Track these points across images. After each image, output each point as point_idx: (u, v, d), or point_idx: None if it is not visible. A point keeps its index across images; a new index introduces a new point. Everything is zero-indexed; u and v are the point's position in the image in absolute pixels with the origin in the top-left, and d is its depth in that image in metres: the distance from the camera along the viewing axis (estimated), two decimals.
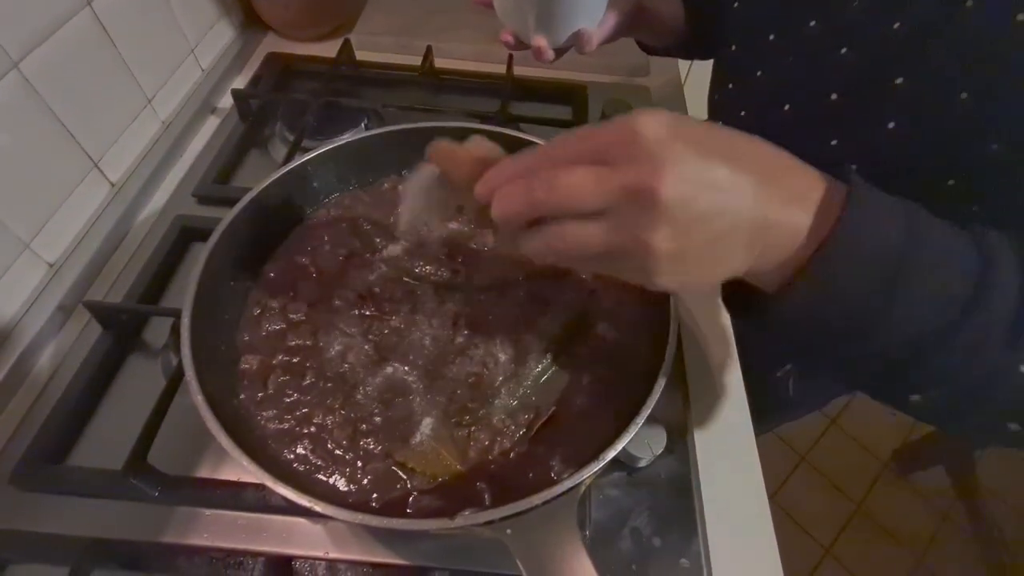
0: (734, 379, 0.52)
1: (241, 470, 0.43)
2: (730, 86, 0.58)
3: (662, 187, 0.23)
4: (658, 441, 0.44)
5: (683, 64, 0.88)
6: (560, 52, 0.52)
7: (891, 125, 0.41)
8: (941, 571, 1.35)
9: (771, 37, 0.50)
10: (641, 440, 0.44)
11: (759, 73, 0.52)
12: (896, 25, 0.40)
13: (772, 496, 1.43)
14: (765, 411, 0.58)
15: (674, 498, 0.44)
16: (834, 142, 0.45)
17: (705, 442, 0.48)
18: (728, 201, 0.25)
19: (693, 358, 0.53)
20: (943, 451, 1.46)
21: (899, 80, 0.40)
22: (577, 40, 0.50)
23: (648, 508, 0.44)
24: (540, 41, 0.50)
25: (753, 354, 0.56)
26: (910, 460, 1.49)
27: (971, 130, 0.37)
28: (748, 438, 0.49)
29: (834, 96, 0.45)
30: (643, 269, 0.26)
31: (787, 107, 0.49)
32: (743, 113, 0.56)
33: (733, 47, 0.56)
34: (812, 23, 0.46)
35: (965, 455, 1.44)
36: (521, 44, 0.52)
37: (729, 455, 0.48)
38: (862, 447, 1.54)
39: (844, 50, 0.44)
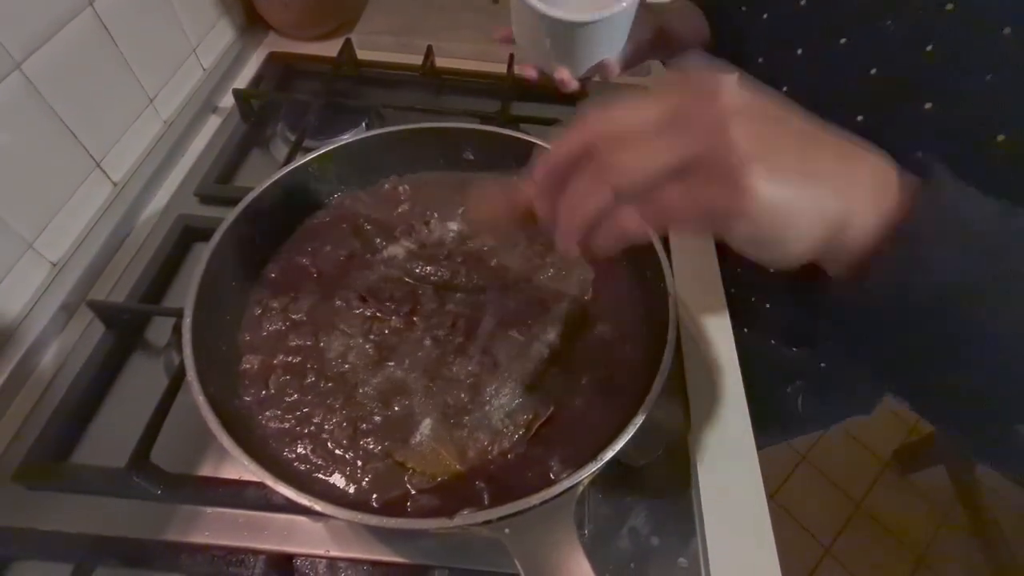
0: (733, 379, 0.53)
1: (242, 469, 0.43)
2: None
3: (724, 94, 0.23)
4: (657, 440, 0.45)
5: None
6: (584, 80, 0.53)
7: (919, 154, 0.40)
8: (941, 571, 1.35)
9: (799, 51, 0.49)
10: (639, 440, 0.44)
11: (784, 88, 0.51)
12: (929, 48, 0.39)
13: (772, 495, 1.42)
14: (774, 426, 0.56)
15: (672, 498, 0.45)
16: None
17: (703, 442, 0.48)
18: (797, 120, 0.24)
19: (692, 358, 0.53)
20: (944, 451, 1.46)
21: (928, 105, 0.40)
22: (600, 70, 0.51)
23: (646, 508, 0.44)
24: (563, 73, 0.51)
25: (763, 368, 0.56)
26: (911, 460, 1.49)
27: (1007, 167, 0.36)
28: (747, 438, 0.49)
29: (860, 117, 0.45)
30: (727, 169, 0.22)
31: None
32: None
33: (760, 60, 0.55)
34: (842, 40, 0.45)
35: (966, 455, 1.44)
36: (544, 75, 0.53)
37: (727, 455, 0.48)
38: (863, 446, 1.54)
39: (873, 71, 0.43)
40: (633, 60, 0.53)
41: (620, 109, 0.25)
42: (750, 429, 0.50)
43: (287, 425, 0.38)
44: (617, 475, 0.45)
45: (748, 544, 0.44)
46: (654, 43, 0.55)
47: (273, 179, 0.46)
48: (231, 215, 0.43)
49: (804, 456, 1.51)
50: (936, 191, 0.25)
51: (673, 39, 0.59)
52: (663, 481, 0.45)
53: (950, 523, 1.42)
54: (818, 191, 0.24)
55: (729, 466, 0.47)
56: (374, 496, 0.36)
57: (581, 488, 0.33)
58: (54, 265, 0.52)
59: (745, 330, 0.57)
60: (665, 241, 0.62)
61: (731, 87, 0.23)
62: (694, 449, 0.48)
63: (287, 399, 0.39)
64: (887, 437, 1.55)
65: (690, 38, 0.61)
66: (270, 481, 0.31)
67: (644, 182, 0.24)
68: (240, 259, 0.44)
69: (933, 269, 0.24)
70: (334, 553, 0.41)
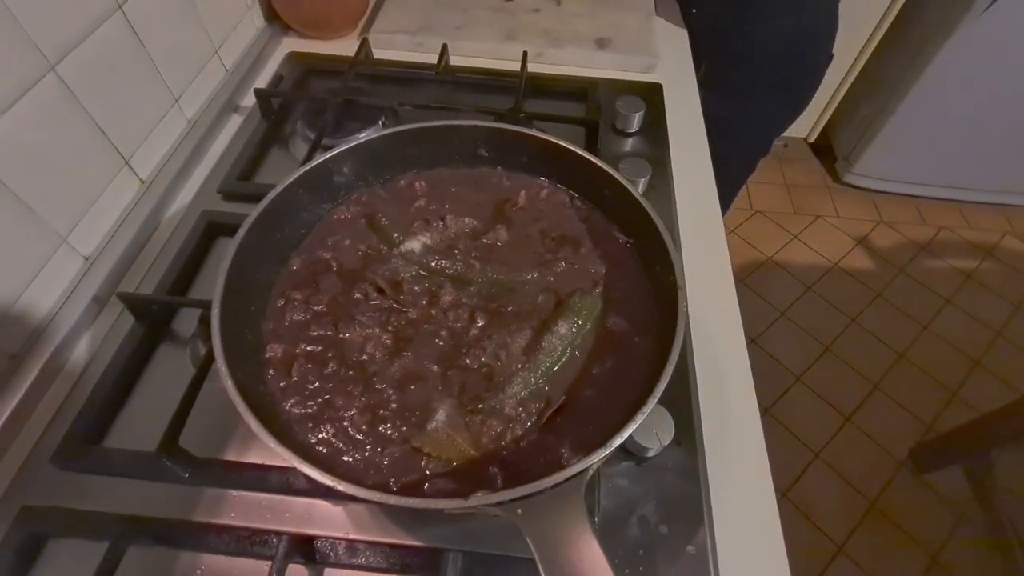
0: (741, 370, 0.53)
1: (266, 453, 0.45)
2: None
3: None
4: (666, 431, 0.46)
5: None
6: None
7: None
8: (956, 572, 1.34)
9: None
10: (649, 430, 0.45)
11: None
12: None
13: (785, 493, 1.42)
14: None
15: (681, 487, 0.46)
16: None
17: (712, 432, 0.49)
18: None
19: (701, 349, 0.54)
20: (960, 450, 1.44)
21: None
22: None
23: (656, 497, 0.45)
24: None
25: None
26: (926, 459, 1.48)
27: None
28: (755, 429, 0.50)
29: None
30: None
31: None
32: None
33: None
34: None
35: (982, 454, 1.43)
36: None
37: (736, 446, 0.49)
38: (877, 445, 1.53)
39: None
40: None
41: None
42: (759, 420, 0.50)
43: (309, 411, 0.40)
44: (627, 465, 0.46)
45: (755, 532, 0.45)
46: None
47: (293, 177, 0.47)
48: (255, 211, 0.44)
49: (818, 454, 1.51)
50: None
51: None
52: (672, 471, 0.46)
53: (965, 523, 1.40)
54: None
55: (737, 457, 0.48)
56: (392, 479, 0.37)
57: (591, 472, 0.34)
58: (86, 259, 0.55)
59: None
60: (675, 235, 0.62)
61: None
62: (702, 439, 0.48)
63: (309, 386, 0.41)
64: (903, 435, 1.54)
65: None
66: (296, 462, 0.32)
67: None
68: (263, 253, 0.46)
69: None
70: (353, 536, 0.42)
